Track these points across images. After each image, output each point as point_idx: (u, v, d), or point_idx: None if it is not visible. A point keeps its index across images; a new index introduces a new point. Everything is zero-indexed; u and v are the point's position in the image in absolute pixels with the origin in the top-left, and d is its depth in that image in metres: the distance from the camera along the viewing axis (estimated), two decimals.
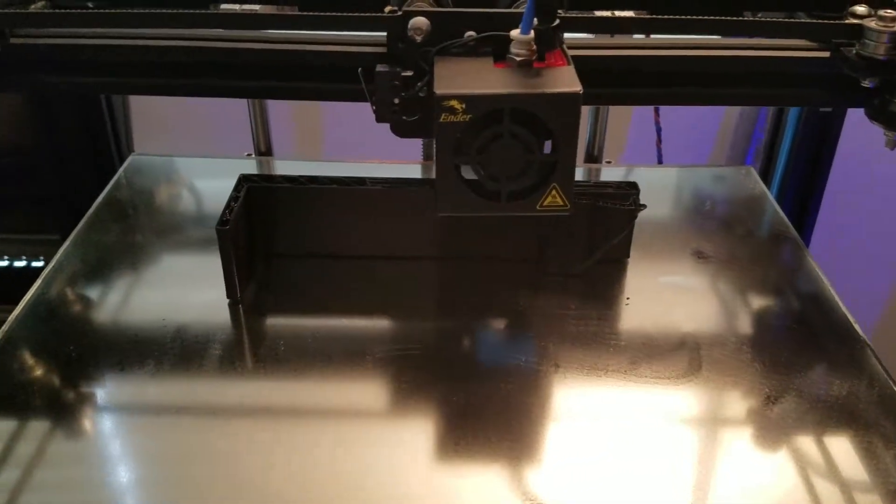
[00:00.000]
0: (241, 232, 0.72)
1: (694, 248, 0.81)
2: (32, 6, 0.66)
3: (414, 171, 0.93)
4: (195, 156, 0.97)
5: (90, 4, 0.71)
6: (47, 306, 0.72)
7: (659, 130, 0.99)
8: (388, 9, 0.57)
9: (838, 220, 1.12)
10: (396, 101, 0.57)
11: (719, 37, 0.69)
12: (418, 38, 0.55)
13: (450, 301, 0.74)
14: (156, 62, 0.64)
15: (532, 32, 0.52)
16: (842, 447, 0.59)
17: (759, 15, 0.69)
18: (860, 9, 0.60)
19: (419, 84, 0.56)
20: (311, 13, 0.58)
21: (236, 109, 1.01)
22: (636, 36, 0.68)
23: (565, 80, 0.51)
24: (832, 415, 0.62)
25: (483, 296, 0.74)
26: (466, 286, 0.76)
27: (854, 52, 0.58)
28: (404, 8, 0.56)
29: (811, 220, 1.03)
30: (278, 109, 1.02)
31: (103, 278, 0.76)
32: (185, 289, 0.75)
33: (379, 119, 0.58)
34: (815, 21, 0.62)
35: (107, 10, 0.67)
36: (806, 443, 0.60)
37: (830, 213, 1.05)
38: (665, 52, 0.61)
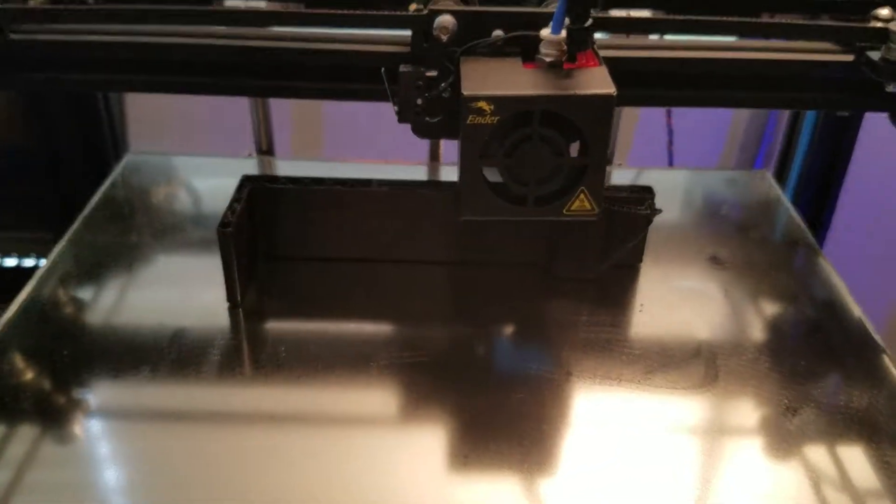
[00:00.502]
0: (242, 234, 0.70)
1: (709, 253, 0.79)
2: (31, 2, 0.64)
3: (419, 173, 0.91)
4: (193, 155, 0.95)
5: (90, 0, 0.69)
6: (41, 308, 0.70)
7: (671, 133, 0.97)
8: (412, 7, 0.56)
9: (854, 225, 1.11)
10: (420, 101, 0.55)
11: (734, 38, 0.67)
12: (444, 38, 0.54)
13: (458, 307, 0.72)
14: (164, 60, 0.62)
15: (563, 32, 0.50)
16: (863, 461, 0.58)
17: (776, 17, 0.67)
18: (884, 12, 0.59)
19: (443, 85, 0.54)
20: (332, 11, 0.57)
21: (234, 108, 0.98)
22: (652, 36, 0.66)
23: (598, 82, 0.50)
24: (853, 427, 0.60)
25: (492, 301, 0.72)
26: (475, 291, 0.74)
27: (879, 55, 0.57)
28: (430, 6, 0.55)
29: (826, 225, 1.01)
30: (276, 107, 1.00)
31: (99, 279, 0.73)
32: (183, 291, 0.73)
33: (401, 120, 0.57)
34: (840, 24, 0.60)
35: (108, 7, 0.65)
36: (827, 455, 0.58)
37: (846, 217, 1.03)
38: (688, 53, 0.60)
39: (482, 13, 0.55)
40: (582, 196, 0.52)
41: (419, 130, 0.58)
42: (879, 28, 0.57)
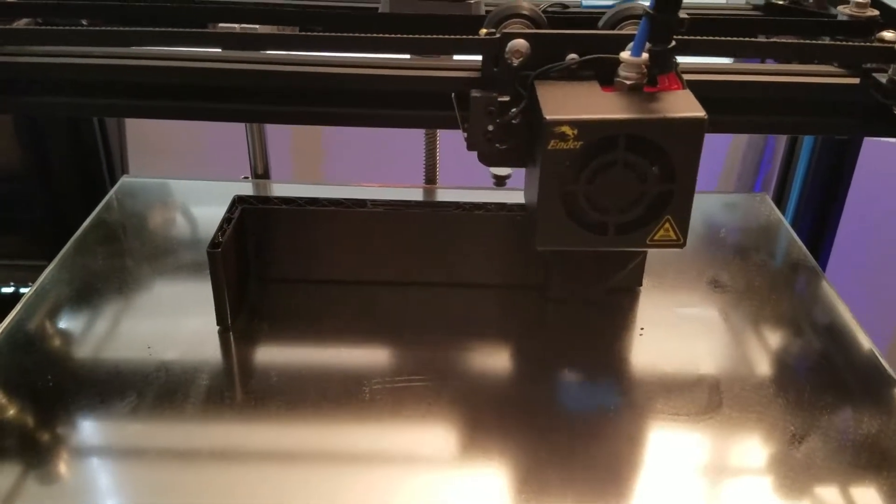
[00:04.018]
0: (233, 255, 0.68)
1: (710, 276, 0.78)
2: (16, 23, 0.63)
3: (416, 196, 0.90)
4: (189, 178, 0.94)
5: (84, 23, 0.68)
6: (26, 333, 0.68)
7: None
8: (483, 31, 0.55)
9: (855, 247, 1.09)
10: (490, 127, 0.54)
11: (730, 60, 0.67)
12: (516, 62, 0.53)
13: (454, 330, 0.71)
14: (184, 84, 0.60)
15: (643, 55, 0.49)
16: (873, 490, 0.56)
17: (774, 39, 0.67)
18: (889, 35, 0.58)
19: (514, 110, 0.53)
20: (403, 36, 0.55)
21: (235, 131, 0.98)
22: None
23: (686, 105, 0.49)
24: (862, 454, 0.58)
25: (488, 324, 0.71)
26: (471, 314, 0.72)
27: (887, 77, 0.55)
28: (502, 30, 0.54)
29: (827, 248, 0.99)
30: (277, 133, 0.99)
31: (88, 303, 0.72)
32: (173, 315, 0.71)
33: (470, 147, 0.55)
34: (847, 44, 0.59)
35: (98, 28, 0.63)
36: (836, 485, 0.56)
37: (847, 239, 1.02)
38: (688, 76, 0.58)
39: (556, 36, 0.54)
40: (667, 225, 0.51)
41: (486, 157, 0.56)
42: (888, 48, 0.56)
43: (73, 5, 0.66)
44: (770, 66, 0.63)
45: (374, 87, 0.58)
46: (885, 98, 0.56)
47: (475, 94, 0.54)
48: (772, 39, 0.65)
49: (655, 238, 0.51)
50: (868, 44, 0.58)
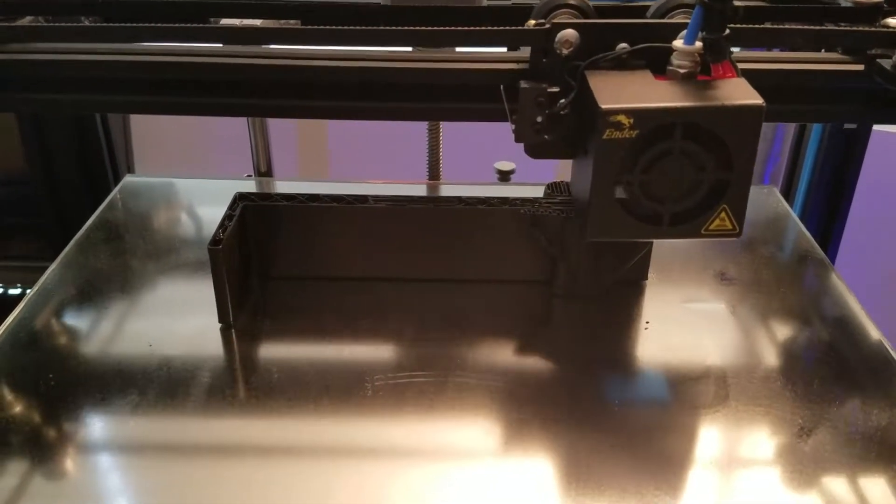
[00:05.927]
0: (235, 252, 0.68)
1: (716, 269, 0.77)
2: (19, 21, 0.63)
3: (419, 192, 0.90)
4: (192, 177, 0.94)
5: (84, 20, 0.68)
6: (29, 331, 0.68)
7: None
8: (532, 22, 0.54)
9: (863, 239, 1.08)
10: (540, 119, 0.53)
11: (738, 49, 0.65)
12: (565, 52, 0.52)
13: (456, 325, 0.70)
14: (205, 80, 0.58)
15: (697, 43, 0.49)
16: (883, 484, 0.55)
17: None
18: (894, 20, 0.57)
19: (563, 101, 0.52)
20: (451, 28, 0.55)
21: (241, 131, 0.98)
22: None
23: (743, 93, 0.48)
24: (871, 447, 0.57)
25: (492, 320, 0.70)
26: (475, 310, 0.72)
27: (892, 63, 0.54)
28: (551, 20, 0.53)
29: (836, 240, 0.98)
30: (283, 131, 0.99)
31: (90, 302, 0.72)
32: (175, 313, 0.71)
33: (518, 139, 0.55)
34: (851, 29, 0.59)
35: (100, 24, 0.63)
36: (845, 479, 0.55)
37: (855, 231, 1.01)
38: None
39: (607, 26, 0.53)
40: (723, 214, 0.50)
41: (534, 149, 0.56)
42: (892, 33, 0.55)
43: (74, 3, 0.66)
44: (772, 53, 0.62)
45: (420, 81, 0.57)
46: (890, 84, 0.55)
47: (524, 85, 0.53)
48: (776, 26, 0.64)
49: (711, 228, 0.51)
50: (874, 29, 0.57)
